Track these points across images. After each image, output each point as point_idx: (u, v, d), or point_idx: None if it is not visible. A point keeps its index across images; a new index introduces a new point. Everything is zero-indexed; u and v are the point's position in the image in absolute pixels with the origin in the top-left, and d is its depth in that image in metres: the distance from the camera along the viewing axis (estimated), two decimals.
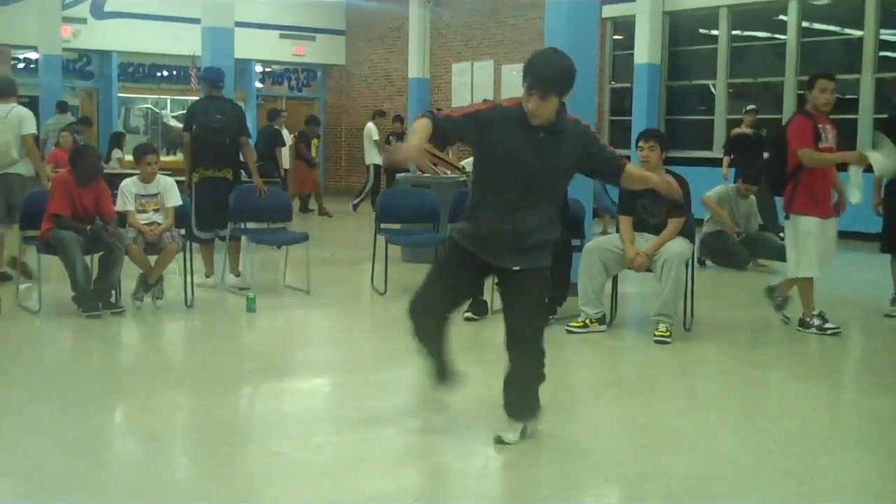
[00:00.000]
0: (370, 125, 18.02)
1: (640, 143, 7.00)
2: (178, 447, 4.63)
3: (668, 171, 7.08)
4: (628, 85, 17.49)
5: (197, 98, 9.50)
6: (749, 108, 13.89)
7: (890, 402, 5.58)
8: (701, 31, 17.18)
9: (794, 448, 4.65)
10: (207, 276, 8.98)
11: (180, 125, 12.92)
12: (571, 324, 7.04)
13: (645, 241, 6.96)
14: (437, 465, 4.25)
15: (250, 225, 9.25)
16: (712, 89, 16.78)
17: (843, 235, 12.50)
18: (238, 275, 9.19)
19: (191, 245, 7.96)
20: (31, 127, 8.88)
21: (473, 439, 4.54)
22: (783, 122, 7.87)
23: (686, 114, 17.50)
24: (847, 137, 14.57)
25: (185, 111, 13.34)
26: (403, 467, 4.23)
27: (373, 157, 17.73)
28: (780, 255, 8.20)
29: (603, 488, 4.13)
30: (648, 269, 6.98)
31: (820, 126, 6.97)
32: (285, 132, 16.94)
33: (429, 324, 4.48)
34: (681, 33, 17.34)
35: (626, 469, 4.32)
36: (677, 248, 6.77)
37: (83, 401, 5.22)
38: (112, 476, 4.10)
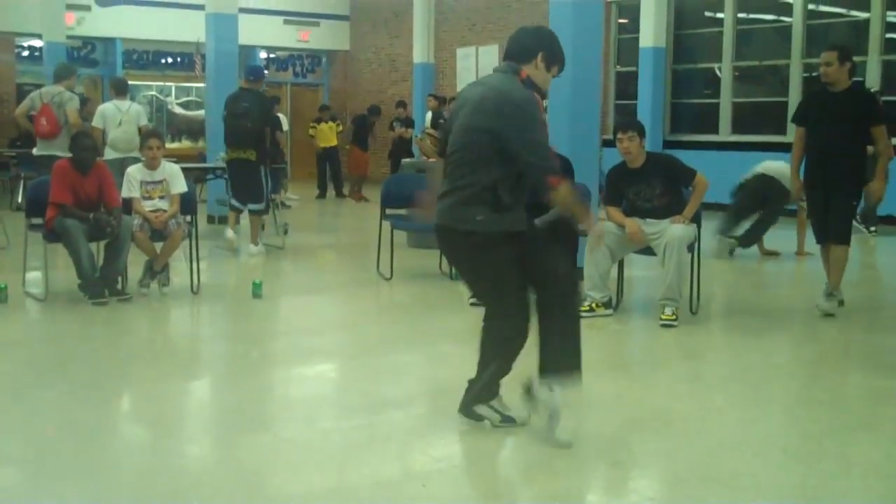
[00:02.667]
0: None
1: (619, 136, 7.00)
2: (185, 433, 4.64)
3: (650, 154, 7.10)
4: (634, 69, 17.43)
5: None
6: None
7: (894, 383, 5.57)
8: (706, 14, 17.11)
9: (800, 431, 4.65)
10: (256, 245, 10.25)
11: (185, 112, 13.10)
12: None
13: (647, 225, 6.94)
14: (443, 449, 4.25)
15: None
16: (718, 72, 16.72)
17: None
18: (256, 244, 10.27)
19: (196, 232, 7.97)
20: (145, 119, 11.15)
21: (479, 424, 4.53)
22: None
23: (691, 97, 17.44)
24: None
25: (190, 98, 14.66)
26: (410, 452, 4.23)
27: None
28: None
29: (609, 471, 4.12)
30: (651, 252, 6.97)
31: None
32: (283, 118, 16.99)
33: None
34: (686, 16, 17.28)
35: (632, 452, 4.32)
36: (679, 231, 6.75)
37: (89, 386, 5.23)
38: (118, 461, 4.10)
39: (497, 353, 4.34)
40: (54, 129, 10.64)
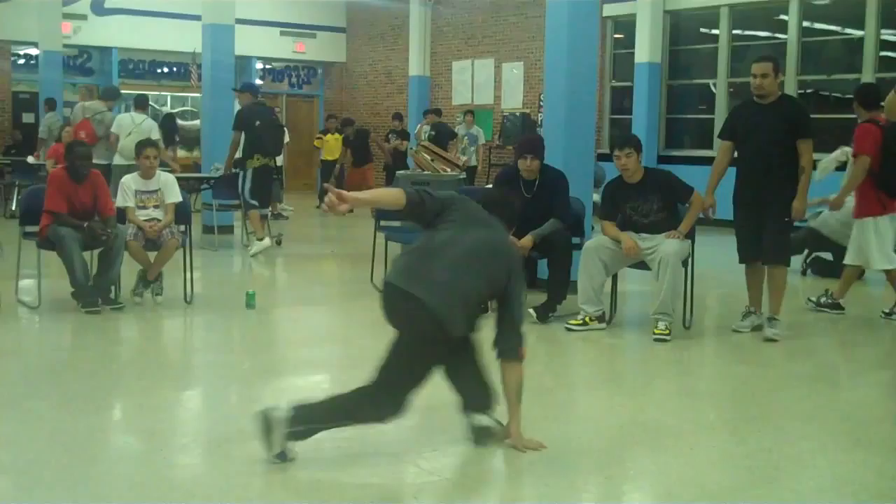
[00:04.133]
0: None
1: (616, 153, 7.01)
2: (177, 443, 4.62)
3: (647, 170, 7.12)
4: (629, 84, 17.46)
5: (247, 104, 11.48)
6: None
7: (889, 403, 5.58)
8: (702, 30, 17.15)
9: (793, 447, 4.65)
10: (260, 239, 10.77)
11: (181, 122, 13.36)
12: (571, 322, 7.04)
13: (642, 240, 6.96)
14: (435, 461, 4.24)
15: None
16: (713, 88, 16.76)
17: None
18: (261, 239, 10.84)
19: (190, 242, 7.97)
20: (157, 135, 12.09)
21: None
22: None
23: (686, 112, 17.48)
24: (849, 136, 14.59)
25: (186, 108, 15.00)
26: (402, 464, 4.22)
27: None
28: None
29: (602, 486, 4.12)
30: (645, 266, 6.99)
31: None
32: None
33: None
34: (681, 32, 17.32)
35: (625, 467, 4.32)
36: (674, 247, 6.77)
37: (81, 396, 5.22)
38: (110, 472, 4.09)
39: (349, 415, 4.22)
40: (92, 140, 11.73)
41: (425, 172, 11.39)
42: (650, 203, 6.97)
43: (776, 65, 6.97)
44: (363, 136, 18.47)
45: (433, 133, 16.65)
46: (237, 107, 12.04)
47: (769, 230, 6.88)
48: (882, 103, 7.83)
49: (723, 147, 7.21)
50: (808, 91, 15.45)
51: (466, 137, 17.41)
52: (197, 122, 20.15)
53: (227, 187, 11.67)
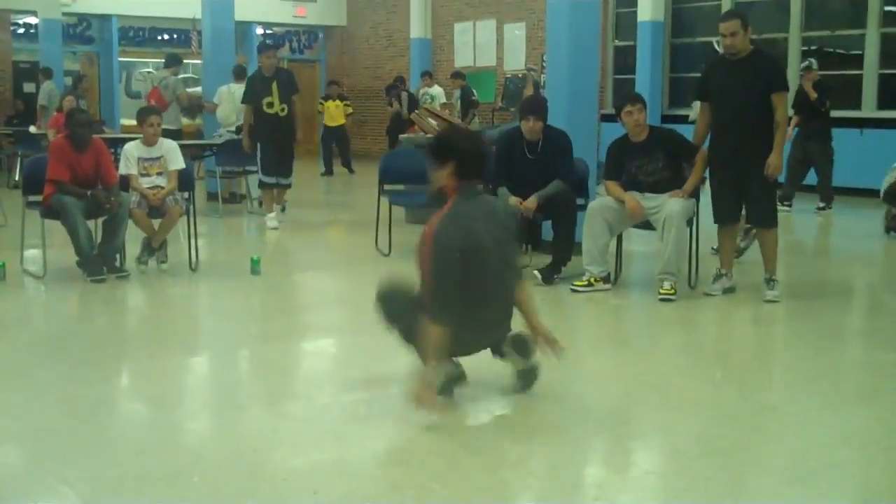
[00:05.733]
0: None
1: (628, 108, 6.96)
2: (184, 409, 4.64)
3: (652, 128, 7.09)
4: (632, 43, 17.36)
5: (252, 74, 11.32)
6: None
7: (893, 357, 5.57)
8: None
9: (798, 403, 4.66)
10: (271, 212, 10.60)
11: (184, 88, 13.30)
12: (576, 283, 7.04)
13: (646, 199, 6.93)
14: (444, 422, 4.25)
15: None
16: (717, 47, 16.59)
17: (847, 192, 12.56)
18: (283, 210, 11.15)
19: (194, 208, 7.96)
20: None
21: (481, 396, 4.55)
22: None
23: (690, 71, 17.35)
24: (854, 93, 14.53)
25: (187, 75, 15.75)
26: (409, 426, 4.23)
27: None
28: None
29: (608, 445, 4.13)
30: (650, 226, 6.98)
31: None
32: None
33: None
34: None
35: (631, 426, 4.33)
36: (678, 206, 6.74)
37: (89, 364, 5.23)
38: (118, 438, 4.11)
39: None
40: (164, 106, 12.02)
41: (429, 136, 11.33)
42: (655, 161, 6.95)
43: (744, 21, 6.77)
44: (413, 103, 17.83)
45: (433, 96, 16.61)
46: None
47: (754, 194, 6.73)
48: None
49: (701, 108, 7.02)
50: (813, 48, 15.33)
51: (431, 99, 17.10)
52: (199, 88, 20.08)
53: (231, 154, 11.64)
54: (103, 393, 4.81)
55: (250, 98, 10.54)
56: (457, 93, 17.15)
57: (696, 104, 7.79)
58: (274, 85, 10.39)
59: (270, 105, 10.37)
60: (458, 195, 4.30)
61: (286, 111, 10.45)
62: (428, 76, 17.98)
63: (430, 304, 4.17)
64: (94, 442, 4.02)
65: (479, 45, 20.39)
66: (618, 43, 18.21)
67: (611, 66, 18.15)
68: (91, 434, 4.12)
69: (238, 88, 12.03)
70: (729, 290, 6.98)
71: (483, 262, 4.23)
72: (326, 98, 18.50)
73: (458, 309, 4.16)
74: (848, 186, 12.83)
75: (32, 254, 7.96)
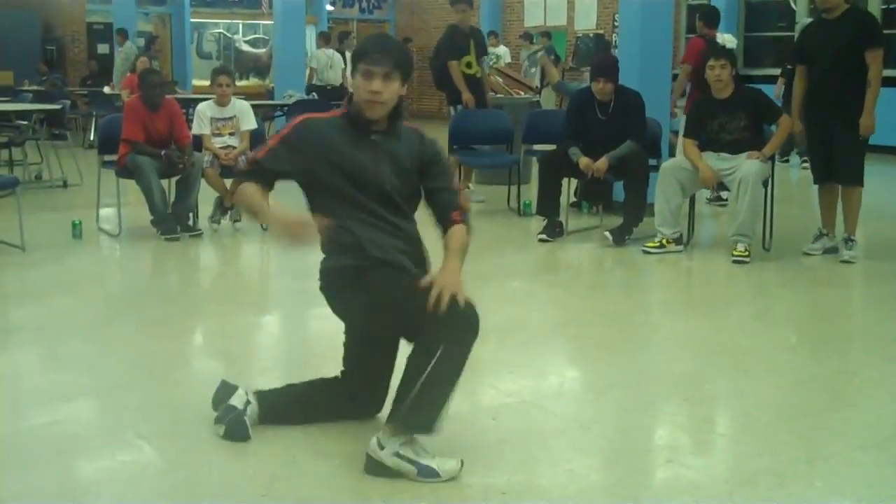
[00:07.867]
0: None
1: (711, 63, 6.87)
2: (256, 367, 4.69)
3: (738, 85, 6.97)
4: (707, 1, 17.04)
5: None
6: None
7: None
8: None
9: (874, 368, 4.57)
10: None
11: (253, 49, 13.29)
12: (648, 244, 6.97)
13: (721, 159, 6.83)
14: (512, 383, 4.24)
15: None
16: (792, 5, 16.28)
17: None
18: None
19: None
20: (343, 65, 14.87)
21: (549, 360, 4.53)
22: None
23: (766, 30, 17.04)
24: None
25: (258, 35, 15.83)
26: (480, 386, 4.20)
27: None
28: None
29: (679, 408, 4.09)
30: (723, 188, 6.87)
31: None
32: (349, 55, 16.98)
33: None
34: None
35: (702, 390, 4.29)
36: (755, 167, 6.63)
37: (162, 321, 5.31)
38: (191, 395, 4.14)
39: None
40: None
41: (498, 95, 11.27)
42: (737, 120, 6.84)
43: None
44: None
45: (499, 56, 16.50)
46: (308, 34, 12.10)
47: (840, 150, 6.64)
48: None
49: (798, 72, 6.88)
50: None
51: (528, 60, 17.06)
52: (269, 49, 20.19)
53: (303, 113, 11.70)
54: (176, 350, 4.88)
55: (456, 54, 9.57)
56: (524, 53, 16.94)
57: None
58: (471, 43, 9.66)
59: (469, 65, 9.56)
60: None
61: (481, 75, 9.78)
62: (493, 36, 17.86)
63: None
64: (166, 398, 4.08)
65: (549, 4, 20.18)
66: (692, 1, 17.90)
67: (684, 25, 17.85)
68: (164, 390, 4.18)
69: (334, 53, 13.51)
70: (831, 250, 6.89)
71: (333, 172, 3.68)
72: None
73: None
74: None
75: (108, 212, 8.09)
